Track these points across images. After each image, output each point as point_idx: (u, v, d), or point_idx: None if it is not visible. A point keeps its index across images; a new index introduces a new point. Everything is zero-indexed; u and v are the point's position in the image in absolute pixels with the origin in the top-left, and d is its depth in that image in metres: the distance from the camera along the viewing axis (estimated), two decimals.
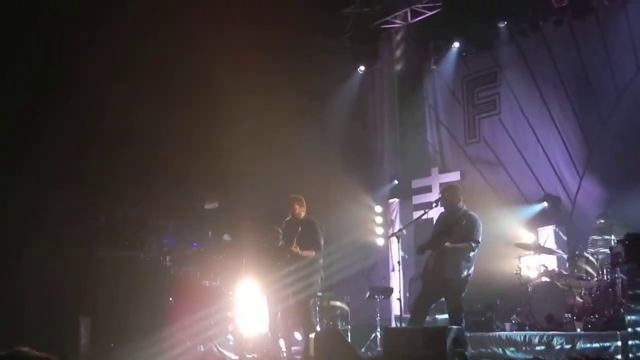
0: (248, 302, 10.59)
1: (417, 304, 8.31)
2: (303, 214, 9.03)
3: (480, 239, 7.95)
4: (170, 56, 11.42)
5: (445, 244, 7.86)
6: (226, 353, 9.48)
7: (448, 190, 8.47)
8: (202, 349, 9.06)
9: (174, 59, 11.52)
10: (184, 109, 11.82)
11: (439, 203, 8.44)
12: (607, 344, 7.72)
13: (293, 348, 9.58)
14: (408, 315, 10.59)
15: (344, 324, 10.27)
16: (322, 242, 8.85)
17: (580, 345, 7.91)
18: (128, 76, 11.29)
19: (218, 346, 9.48)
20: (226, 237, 11.82)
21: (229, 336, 10.22)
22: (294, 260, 8.73)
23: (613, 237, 8.85)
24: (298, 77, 12.33)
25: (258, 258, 9.48)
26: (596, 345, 7.79)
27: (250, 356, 9.25)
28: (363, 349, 9.56)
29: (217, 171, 12.20)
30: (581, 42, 11.32)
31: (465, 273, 7.91)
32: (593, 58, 11.14)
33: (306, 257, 8.64)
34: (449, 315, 8.19)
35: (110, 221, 11.38)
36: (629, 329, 7.58)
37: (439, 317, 9.71)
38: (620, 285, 8.33)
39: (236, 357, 9.53)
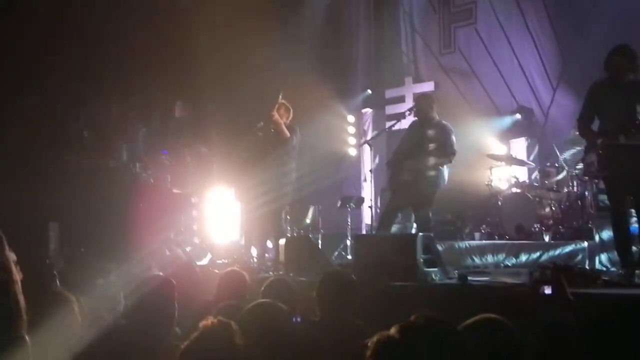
0: (221, 209, 10.60)
1: (386, 214, 8.32)
2: (286, 120, 8.94)
3: (456, 150, 7.93)
4: None
5: (429, 162, 7.78)
6: (195, 258, 9.47)
7: (422, 99, 8.30)
8: (169, 253, 9.03)
9: None
10: (155, 15, 11.47)
11: (413, 112, 8.31)
12: (575, 253, 7.85)
13: (265, 255, 9.60)
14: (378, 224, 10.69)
15: (314, 232, 10.30)
16: (295, 146, 8.88)
17: (547, 254, 8.03)
18: None
19: (186, 251, 9.47)
20: (203, 148, 11.65)
21: (199, 242, 10.23)
22: (278, 145, 8.72)
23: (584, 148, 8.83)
24: None
25: (243, 155, 9.39)
26: (564, 254, 7.91)
27: (220, 262, 9.28)
28: (334, 257, 9.61)
29: (189, 78, 11.96)
30: None
31: (441, 185, 7.91)
32: None
33: (283, 133, 8.63)
34: (417, 224, 8.21)
35: (78, 126, 11.18)
36: (596, 239, 7.69)
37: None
38: (589, 196, 8.41)
39: (205, 262, 9.56)
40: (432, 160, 7.79)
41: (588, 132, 6.50)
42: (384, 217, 8.37)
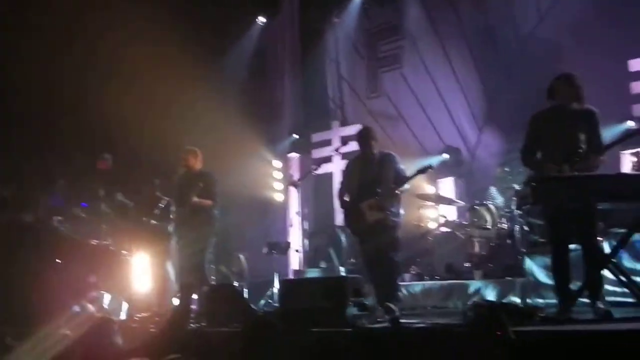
0: (141, 262, 10.18)
1: (369, 263, 7.64)
2: (198, 166, 8.84)
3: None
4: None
5: (399, 190, 7.33)
6: (112, 314, 8.92)
7: (365, 133, 7.67)
8: (82, 311, 8.48)
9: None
10: (73, 62, 11.13)
11: (361, 146, 7.58)
12: (506, 290, 7.67)
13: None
14: (307, 270, 10.36)
15: (241, 280, 9.93)
16: (217, 193, 8.69)
17: (479, 293, 7.84)
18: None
19: (103, 307, 8.92)
20: (120, 196, 11.21)
21: (117, 296, 9.67)
22: (188, 217, 8.57)
23: (513, 185, 8.75)
24: (195, 28, 11.79)
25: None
26: (495, 292, 7.73)
27: (139, 316, 8.78)
28: (261, 305, 9.23)
29: (110, 128, 11.56)
30: None
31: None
32: (496, 10, 11.07)
33: (205, 205, 8.56)
34: (385, 271, 7.56)
35: None
36: (528, 276, 7.52)
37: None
38: (519, 233, 8.27)
39: (123, 317, 9.02)
40: (398, 192, 7.41)
41: (532, 163, 6.29)
42: (370, 266, 7.75)
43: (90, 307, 8.67)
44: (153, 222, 9.18)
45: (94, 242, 10.31)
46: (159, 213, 9.22)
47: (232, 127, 11.86)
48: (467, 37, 11.42)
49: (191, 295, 8.42)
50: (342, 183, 7.86)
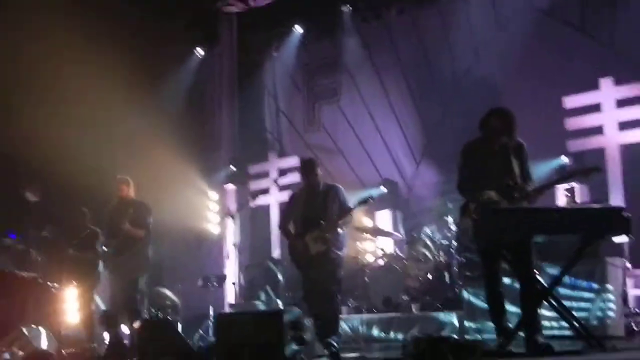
0: (69, 295, 9.86)
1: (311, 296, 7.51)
2: (131, 195, 8.73)
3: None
4: None
5: (343, 222, 7.28)
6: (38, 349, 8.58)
7: (309, 164, 7.56)
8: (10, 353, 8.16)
9: None
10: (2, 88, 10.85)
11: (305, 178, 7.50)
12: (444, 324, 7.68)
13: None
14: (243, 303, 10.19)
15: (174, 314, 9.68)
16: (150, 223, 8.60)
17: (417, 326, 7.81)
18: None
19: (32, 342, 8.56)
20: (46, 230, 10.84)
21: (44, 331, 9.33)
22: (120, 248, 8.47)
23: (449, 218, 8.81)
24: (132, 58, 11.63)
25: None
26: (433, 326, 7.70)
27: (68, 351, 8.46)
28: (195, 340, 9.00)
29: (41, 157, 11.26)
30: (422, 31, 11.42)
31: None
32: (433, 47, 11.26)
33: (137, 235, 8.46)
34: (328, 307, 7.35)
35: None
36: (465, 309, 7.54)
37: None
38: (456, 266, 8.32)
39: (52, 353, 8.67)
40: (336, 229, 7.28)
41: (474, 193, 6.02)
42: (311, 299, 7.64)
43: (17, 350, 8.32)
44: (76, 253, 8.92)
45: (23, 274, 9.99)
46: (79, 243, 8.97)
47: (167, 157, 11.71)
48: (405, 72, 11.60)
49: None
50: (285, 213, 7.80)
